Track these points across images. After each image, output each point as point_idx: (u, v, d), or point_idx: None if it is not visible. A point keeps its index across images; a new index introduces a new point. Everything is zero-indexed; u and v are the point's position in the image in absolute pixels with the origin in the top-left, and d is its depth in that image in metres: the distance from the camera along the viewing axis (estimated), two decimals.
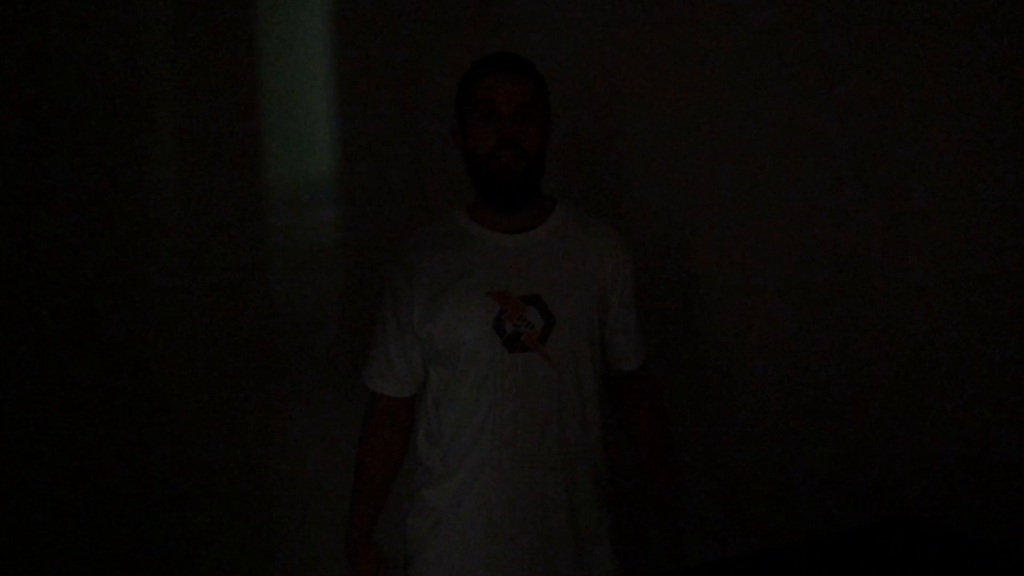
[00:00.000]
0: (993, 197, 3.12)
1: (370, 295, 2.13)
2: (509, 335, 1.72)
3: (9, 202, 2.41)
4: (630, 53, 2.96)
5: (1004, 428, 3.14)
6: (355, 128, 2.75)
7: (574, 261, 1.80)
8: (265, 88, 2.65)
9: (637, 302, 1.88)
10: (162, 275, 2.57)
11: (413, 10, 2.73)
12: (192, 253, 2.59)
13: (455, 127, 1.82)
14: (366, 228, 2.78)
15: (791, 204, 3.21)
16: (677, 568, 3.09)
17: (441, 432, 1.80)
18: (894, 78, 3.26)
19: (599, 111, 2.96)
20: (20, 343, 2.44)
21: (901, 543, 3.18)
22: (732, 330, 3.18)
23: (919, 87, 3.24)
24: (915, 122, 3.25)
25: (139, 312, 2.56)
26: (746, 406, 3.20)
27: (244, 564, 2.71)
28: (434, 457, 1.81)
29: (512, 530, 1.77)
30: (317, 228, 2.77)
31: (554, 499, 1.77)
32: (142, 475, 2.55)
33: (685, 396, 3.07)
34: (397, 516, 1.90)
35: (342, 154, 2.75)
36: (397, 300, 1.81)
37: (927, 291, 3.29)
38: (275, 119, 2.66)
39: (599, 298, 1.81)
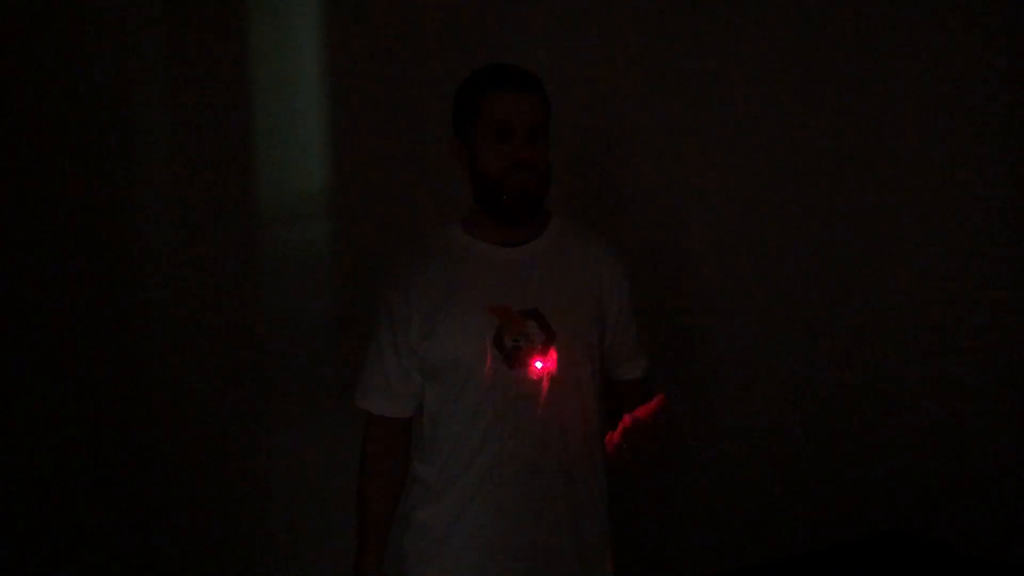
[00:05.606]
0: (993, 203, 3.13)
1: (362, 307, 2.10)
2: (509, 350, 1.69)
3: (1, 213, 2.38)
4: (625, 60, 2.96)
5: (993, 441, 3.14)
6: (348, 140, 2.74)
7: (572, 273, 1.77)
8: (257, 100, 2.63)
9: (636, 313, 1.86)
10: (153, 286, 2.55)
11: (407, 22, 2.72)
12: (184, 265, 2.56)
13: (455, 140, 1.75)
14: (358, 240, 2.76)
15: (788, 213, 3.21)
16: None
17: (439, 448, 1.76)
18: (891, 82, 3.26)
19: (594, 120, 2.96)
20: (13, 357, 2.40)
21: (893, 556, 3.18)
22: (724, 343, 3.17)
23: (916, 90, 3.24)
24: (912, 125, 3.26)
25: (130, 322, 2.53)
26: (738, 420, 3.19)
27: (237, 569, 2.68)
28: (431, 474, 1.77)
29: (513, 548, 1.73)
30: (309, 240, 2.75)
31: (557, 516, 1.73)
32: (134, 484, 2.53)
33: (675, 411, 3.05)
34: (392, 536, 1.87)
35: (334, 166, 2.74)
36: (393, 318, 1.76)
37: (922, 304, 3.29)
38: (268, 131, 2.64)
39: (597, 310, 1.79)
